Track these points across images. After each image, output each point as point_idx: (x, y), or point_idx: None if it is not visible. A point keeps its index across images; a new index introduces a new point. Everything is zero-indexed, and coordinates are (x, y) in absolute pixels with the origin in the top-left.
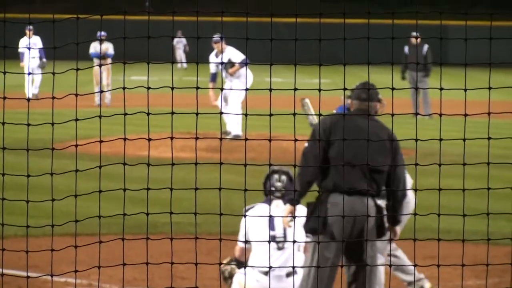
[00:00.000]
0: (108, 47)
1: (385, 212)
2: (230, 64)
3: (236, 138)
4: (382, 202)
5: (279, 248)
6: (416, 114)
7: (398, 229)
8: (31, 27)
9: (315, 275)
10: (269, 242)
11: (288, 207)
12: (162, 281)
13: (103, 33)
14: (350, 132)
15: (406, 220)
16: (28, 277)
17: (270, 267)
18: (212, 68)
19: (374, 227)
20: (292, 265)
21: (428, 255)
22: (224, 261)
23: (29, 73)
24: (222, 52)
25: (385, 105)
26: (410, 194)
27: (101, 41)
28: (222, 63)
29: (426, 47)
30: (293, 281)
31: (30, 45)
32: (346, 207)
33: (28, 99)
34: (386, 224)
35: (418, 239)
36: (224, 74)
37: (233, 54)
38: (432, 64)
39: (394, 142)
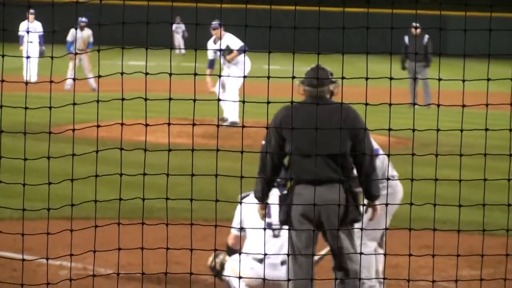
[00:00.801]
0: (90, 35)
1: (360, 196)
2: (228, 50)
3: (233, 125)
4: (355, 186)
5: (275, 236)
6: (414, 104)
7: (378, 205)
8: (32, 10)
9: (294, 263)
10: (264, 229)
11: (258, 206)
12: (157, 266)
13: (83, 19)
14: (303, 122)
15: (394, 209)
16: (23, 259)
17: (265, 254)
18: (210, 55)
19: (344, 212)
20: (287, 253)
21: (423, 244)
22: (210, 258)
23: (27, 57)
24: (220, 38)
25: (339, 84)
26: (398, 184)
27: (82, 28)
28: (220, 49)
29: (426, 37)
30: (287, 270)
31: (30, 30)
32: (311, 197)
33: (26, 83)
34: (362, 209)
35: (413, 228)
36: (222, 60)
37: (232, 40)
38: (432, 55)
39: (349, 119)
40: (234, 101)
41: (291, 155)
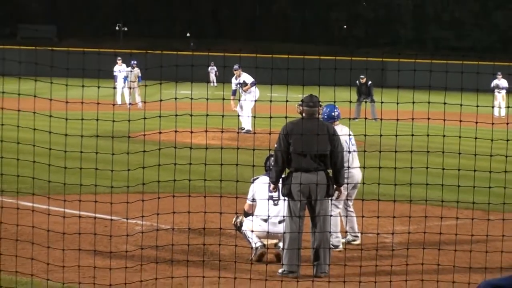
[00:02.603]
0: (138, 72)
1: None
2: (244, 84)
3: (248, 132)
4: (330, 173)
5: (275, 204)
6: (354, 118)
7: (342, 189)
8: (119, 57)
9: (291, 221)
10: (268, 200)
11: (271, 186)
12: (199, 223)
13: (135, 62)
14: (299, 130)
15: (356, 190)
16: (111, 219)
17: (268, 216)
18: (233, 87)
19: (324, 190)
20: (282, 216)
21: (371, 209)
22: (234, 219)
23: (114, 87)
24: (239, 76)
25: (322, 108)
26: (356, 171)
27: (133, 67)
28: (239, 84)
29: (369, 83)
30: (283, 226)
31: (120, 70)
32: (303, 180)
33: (114, 104)
34: (334, 187)
35: (365, 199)
36: (240, 90)
37: (247, 77)
38: (374, 91)
39: (330, 132)
40: (249, 116)
41: (292, 153)
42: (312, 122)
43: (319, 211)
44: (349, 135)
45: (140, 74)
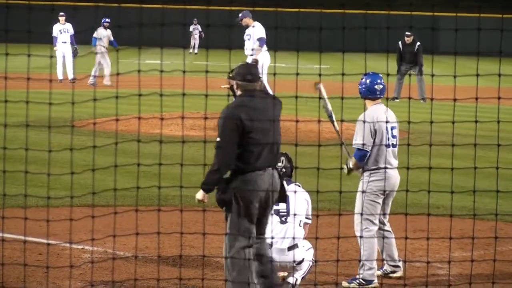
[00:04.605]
0: (110, 34)
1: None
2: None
3: None
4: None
5: (282, 222)
6: (394, 98)
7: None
8: (62, 13)
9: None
10: (272, 215)
11: (201, 193)
12: (172, 249)
13: (107, 19)
14: (256, 115)
15: (391, 199)
16: (48, 244)
17: (273, 238)
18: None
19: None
20: (293, 238)
21: (418, 228)
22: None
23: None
24: (249, 26)
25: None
26: (395, 172)
27: (105, 27)
28: (248, 35)
29: (417, 44)
30: (293, 255)
31: (63, 31)
32: (266, 182)
33: (60, 81)
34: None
35: (409, 213)
36: (246, 51)
37: (258, 30)
38: (424, 59)
39: (279, 106)
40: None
41: (248, 146)
42: (262, 99)
43: (263, 228)
44: (395, 122)
45: (112, 38)
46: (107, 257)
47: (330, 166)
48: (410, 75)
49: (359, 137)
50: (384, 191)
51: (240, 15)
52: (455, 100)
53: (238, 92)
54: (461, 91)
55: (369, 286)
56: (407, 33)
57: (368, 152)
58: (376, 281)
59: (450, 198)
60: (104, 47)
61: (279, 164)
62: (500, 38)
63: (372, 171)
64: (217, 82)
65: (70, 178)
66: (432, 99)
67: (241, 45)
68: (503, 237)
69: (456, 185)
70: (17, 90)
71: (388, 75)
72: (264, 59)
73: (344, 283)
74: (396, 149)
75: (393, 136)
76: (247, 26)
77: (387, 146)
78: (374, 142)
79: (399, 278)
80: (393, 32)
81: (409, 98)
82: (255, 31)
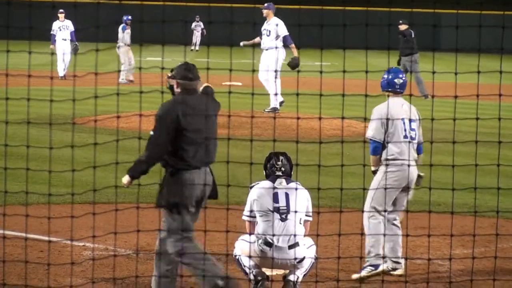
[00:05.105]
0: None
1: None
2: (269, 35)
3: (274, 110)
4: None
5: (282, 220)
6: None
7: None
8: (62, 10)
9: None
10: (272, 213)
11: (126, 178)
12: None
13: (129, 17)
14: (193, 113)
15: (407, 195)
16: (49, 241)
17: (273, 235)
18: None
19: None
20: (294, 236)
21: (419, 225)
22: (235, 249)
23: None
24: (268, 19)
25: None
26: (412, 167)
27: (127, 24)
28: (265, 31)
29: (410, 31)
30: (294, 253)
31: (62, 28)
32: (195, 180)
33: (61, 78)
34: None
35: (410, 211)
36: (262, 44)
37: (280, 27)
38: (421, 49)
39: (215, 105)
40: (273, 89)
41: (182, 143)
42: (200, 99)
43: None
44: (414, 116)
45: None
46: (108, 254)
47: (331, 163)
48: (411, 72)
49: (370, 129)
50: (399, 184)
51: (265, 4)
52: (456, 97)
53: (178, 91)
54: (462, 88)
55: (377, 270)
56: (400, 21)
57: (379, 143)
58: (382, 264)
59: (451, 195)
60: (126, 44)
61: (278, 163)
62: (501, 35)
63: (388, 162)
64: (218, 79)
65: (71, 175)
66: (433, 96)
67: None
68: (504, 234)
69: (457, 182)
70: (18, 87)
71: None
72: (279, 55)
73: (354, 275)
74: (415, 142)
75: (412, 129)
76: (265, 18)
77: (405, 137)
78: (386, 134)
79: (400, 275)
80: (394, 29)
81: (410, 95)
82: (278, 30)
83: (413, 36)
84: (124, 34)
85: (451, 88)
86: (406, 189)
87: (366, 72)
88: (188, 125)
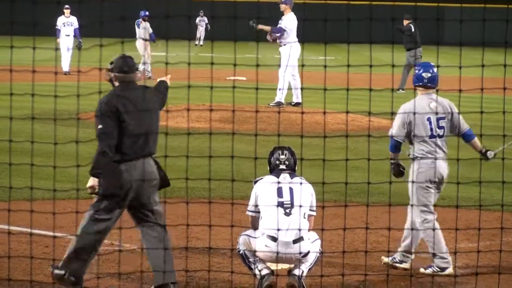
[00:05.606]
0: (149, 27)
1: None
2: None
3: (278, 105)
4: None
5: (286, 214)
6: (399, 89)
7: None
8: (67, 6)
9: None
10: (277, 207)
11: (91, 180)
12: (179, 241)
13: (146, 13)
14: (131, 105)
15: (440, 191)
16: (54, 236)
17: (278, 230)
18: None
19: (158, 180)
20: (298, 231)
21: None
22: (238, 243)
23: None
24: (285, 13)
25: (140, 72)
26: (443, 162)
27: (144, 20)
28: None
29: (410, 26)
30: (299, 247)
31: (66, 24)
32: (131, 171)
33: (65, 73)
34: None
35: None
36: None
37: (288, 20)
38: (425, 43)
39: (156, 98)
40: (281, 84)
41: (123, 135)
42: (138, 91)
43: (149, 217)
44: (442, 113)
45: (151, 30)
46: (113, 250)
47: (336, 158)
48: (415, 66)
49: (393, 126)
50: (431, 180)
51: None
52: (460, 91)
53: (116, 84)
54: (466, 81)
55: (444, 273)
56: (405, 15)
57: (399, 142)
58: (450, 268)
59: (456, 189)
60: (143, 39)
61: (282, 157)
62: (505, 29)
63: (418, 161)
64: (222, 74)
65: (76, 170)
66: (437, 90)
67: (246, 37)
68: (509, 227)
69: (462, 176)
70: (22, 83)
71: (393, 66)
72: (293, 51)
73: (384, 258)
74: (443, 139)
75: (439, 127)
76: (282, 13)
77: (432, 137)
78: (409, 132)
79: (405, 269)
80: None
81: (415, 89)
82: (283, 20)
83: (413, 30)
84: (140, 29)
85: (455, 81)
86: (438, 184)
87: (370, 66)
88: (125, 117)
